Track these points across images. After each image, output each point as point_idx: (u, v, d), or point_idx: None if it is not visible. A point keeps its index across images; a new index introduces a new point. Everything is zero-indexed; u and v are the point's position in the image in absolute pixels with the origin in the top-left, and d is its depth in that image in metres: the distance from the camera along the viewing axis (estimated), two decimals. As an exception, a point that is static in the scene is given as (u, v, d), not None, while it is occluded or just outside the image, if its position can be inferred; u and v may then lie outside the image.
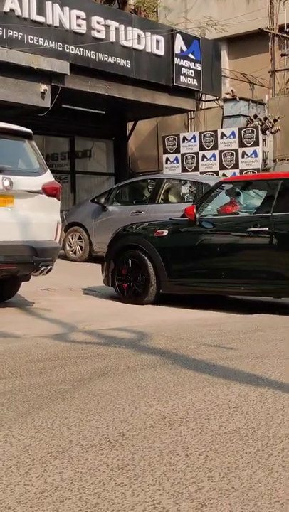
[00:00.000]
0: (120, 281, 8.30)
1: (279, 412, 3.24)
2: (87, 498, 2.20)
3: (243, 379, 3.99)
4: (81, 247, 13.25)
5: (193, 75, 17.77)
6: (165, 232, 8.20)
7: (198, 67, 17.96)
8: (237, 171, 16.10)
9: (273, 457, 2.57)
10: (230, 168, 16.21)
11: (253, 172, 15.81)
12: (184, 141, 17.14)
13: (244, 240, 7.75)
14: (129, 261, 8.27)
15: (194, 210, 7.91)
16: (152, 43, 16.67)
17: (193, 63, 17.80)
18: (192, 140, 17.01)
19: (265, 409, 3.28)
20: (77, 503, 2.16)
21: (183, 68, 17.49)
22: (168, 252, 8.08)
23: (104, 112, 17.86)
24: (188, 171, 16.65)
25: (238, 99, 18.26)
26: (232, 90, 19.54)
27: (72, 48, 14.68)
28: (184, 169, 16.90)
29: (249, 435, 2.86)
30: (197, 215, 7.89)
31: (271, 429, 2.95)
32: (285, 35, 21.07)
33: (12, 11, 13.59)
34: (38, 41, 13.99)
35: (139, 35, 16.27)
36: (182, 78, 17.47)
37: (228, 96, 18.81)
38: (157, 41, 16.81)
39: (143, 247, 8.22)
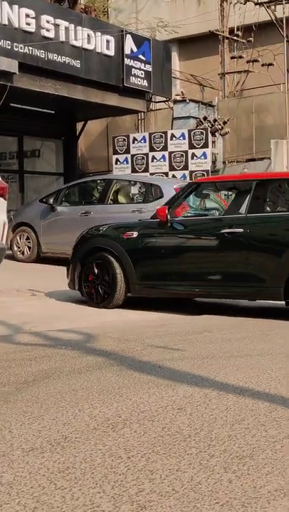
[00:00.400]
0: (87, 285, 7.99)
1: (222, 413, 3.25)
2: (25, 502, 2.17)
3: (189, 380, 4.00)
4: (29, 248, 13.12)
5: (143, 76, 17.79)
6: (135, 234, 7.92)
7: (149, 68, 17.98)
8: (187, 173, 16.17)
9: (215, 458, 2.57)
10: (179, 170, 16.26)
11: (203, 174, 15.89)
12: (133, 142, 17.14)
13: (218, 242, 7.52)
14: (96, 264, 7.96)
15: (166, 211, 7.66)
16: (102, 43, 16.63)
17: (143, 64, 17.81)
18: (142, 141, 17.02)
19: (208, 411, 3.28)
20: (16, 507, 2.13)
21: (133, 69, 17.49)
22: (138, 254, 7.82)
23: (53, 112, 17.75)
24: (138, 172, 16.65)
25: (188, 100, 18.34)
26: (182, 92, 19.63)
27: (21, 47, 14.54)
28: (133, 170, 16.90)
29: (192, 436, 2.86)
30: (169, 217, 7.66)
31: (214, 430, 2.96)
32: (235, 37, 21.24)
33: None
34: (-14, 39, 13.84)
35: (89, 35, 16.21)
36: (132, 79, 17.47)
37: (178, 97, 18.88)
38: (107, 41, 16.77)
39: (111, 249, 7.93)
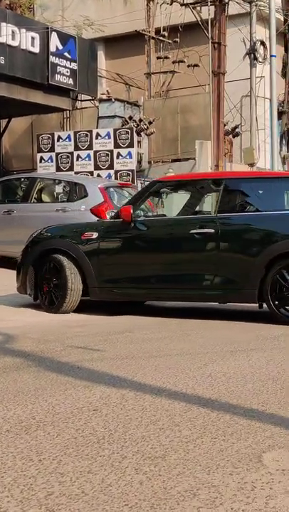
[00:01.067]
0: (39, 289, 7.57)
1: (138, 413, 3.25)
2: None
3: (106, 381, 3.99)
4: None
5: (68, 74, 17.69)
6: (95, 235, 7.50)
7: (74, 66, 17.89)
8: (112, 172, 16.16)
9: (127, 460, 2.57)
10: (105, 169, 16.23)
11: (128, 173, 15.92)
12: (58, 141, 17.01)
13: (187, 243, 7.24)
14: (50, 266, 7.53)
15: (131, 211, 7.31)
16: (27, 40, 16.46)
17: (69, 62, 17.72)
18: (67, 139, 16.90)
19: (124, 412, 3.28)
20: None
21: (58, 67, 17.37)
22: (98, 256, 7.43)
23: (-24, 108, 17.48)
24: (63, 171, 16.54)
25: (113, 100, 18.33)
26: (107, 91, 19.61)
27: None
28: (58, 169, 16.77)
29: (106, 438, 2.85)
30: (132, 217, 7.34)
31: (129, 431, 2.96)
32: (161, 38, 21.35)
33: None
34: None
35: (13, 32, 16.01)
36: (57, 77, 17.35)
37: (103, 96, 18.85)
38: (32, 38, 16.61)
39: (69, 250, 7.49)
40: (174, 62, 21.06)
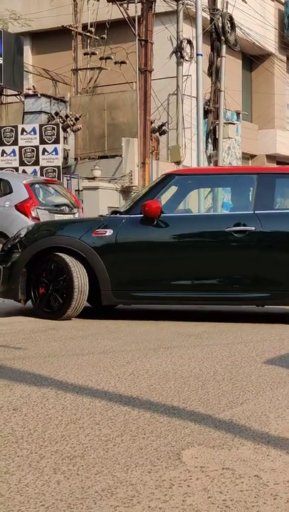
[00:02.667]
0: (36, 293, 6.90)
1: (58, 412, 3.23)
2: None
3: (27, 380, 3.94)
4: None
5: (-6, 68, 17.45)
6: (109, 232, 6.81)
7: (0, 60, 17.64)
8: (37, 168, 16.01)
9: (45, 459, 2.54)
10: (30, 165, 16.09)
11: (54, 170, 15.80)
12: (-17, 135, 16.76)
13: (221, 241, 6.77)
14: (49, 267, 6.84)
15: (160, 205, 6.75)
16: None
17: (-6, 56, 17.47)
18: (-8, 134, 16.67)
19: (44, 410, 3.25)
20: None
21: (-17, 60, 17.13)
22: (114, 255, 6.78)
23: None
24: (-12, 166, 16.31)
25: (39, 95, 18.17)
26: (33, 86, 19.43)
27: None
28: (-17, 164, 16.54)
29: (24, 438, 2.82)
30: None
31: (48, 430, 2.93)
32: (88, 34, 21.27)
33: None
34: None
35: None
36: (-18, 71, 17.11)
37: (29, 92, 18.67)
38: None
39: (76, 249, 6.77)
40: (101, 59, 21.03)
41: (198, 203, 7.18)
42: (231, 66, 20.69)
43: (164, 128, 18.24)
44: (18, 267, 6.90)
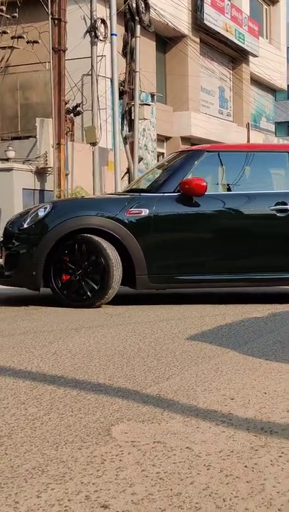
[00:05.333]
0: (60, 279, 6.40)
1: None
2: None
3: None
4: None
5: None
6: (145, 212, 6.43)
7: None
8: None
9: (-29, 441, 2.46)
10: None
11: None
12: None
13: (265, 221, 6.66)
14: (77, 251, 6.37)
15: (206, 184, 6.42)
16: None
17: None
18: None
19: None
20: None
21: None
22: (152, 237, 6.42)
23: None
24: None
25: None
26: None
27: None
28: None
29: None
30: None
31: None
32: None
33: None
34: None
35: None
36: None
37: None
38: None
39: (109, 230, 6.33)
40: (12, 38, 20.56)
41: (232, 181, 6.68)
42: (145, 47, 20.62)
43: (78, 109, 18.04)
44: (40, 252, 6.35)
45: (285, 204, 6.62)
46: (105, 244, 6.32)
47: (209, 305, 6.54)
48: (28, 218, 6.55)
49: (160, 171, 7.41)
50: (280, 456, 2.25)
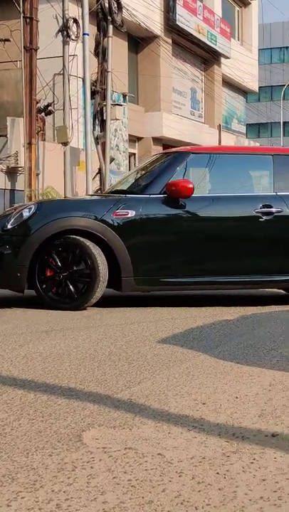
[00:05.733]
0: (47, 281, 6.33)
1: None
2: None
3: None
4: None
5: None
6: (131, 213, 6.39)
7: None
8: None
9: None
10: None
11: None
12: None
13: (250, 223, 6.64)
14: (63, 252, 6.29)
15: (192, 186, 6.40)
16: None
17: None
18: None
19: None
20: None
21: None
22: (138, 239, 6.39)
23: None
24: None
25: None
26: None
27: None
28: None
29: None
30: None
31: None
32: None
33: None
34: None
35: None
36: None
37: None
38: None
39: (96, 232, 6.28)
40: (-16, 36, 20.41)
41: (217, 183, 6.66)
42: (118, 47, 20.60)
43: (50, 108, 17.97)
44: (25, 253, 6.26)
45: (271, 207, 6.66)
46: (92, 246, 6.27)
47: (180, 307, 6.54)
48: (12, 219, 6.45)
49: (144, 172, 7.40)
50: (252, 463, 2.25)
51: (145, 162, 8.03)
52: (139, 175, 7.49)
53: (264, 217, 6.63)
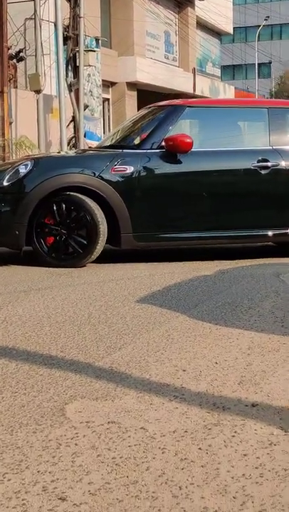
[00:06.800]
0: (46, 239, 6.30)
1: None
2: None
3: None
4: None
5: None
6: (130, 169, 6.35)
7: None
8: None
9: None
10: None
11: None
12: None
13: (249, 177, 6.68)
14: (61, 209, 6.24)
15: (191, 141, 6.36)
16: None
17: None
18: None
19: None
20: None
21: None
22: (137, 195, 6.35)
23: None
24: None
25: None
26: None
27: None
28: None
29: None
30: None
31: None
32: None
33: None
34: None
35: None
36: None
37: None
38: None
39: (95, 188, 6.23)
40: None
41: (213, 137, 6.61)
42: (89, -10, 20.11)
43: (21, 54, 17.59)
44: (23, 211, 6.20)
45: (267, 161, 6.68)
46: (91, 203, 6.24)
47: (158, 263, 6.56)
48: (7, 175, 6.34)
49: (138, 126, 7.33)
50: (233, 436, 2.29)
51: (137, 115, 7.95)
52: (132, 129, 7.41)
53: (262, 171, 6.66)
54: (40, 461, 2.12)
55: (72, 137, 17.00)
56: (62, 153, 9.79)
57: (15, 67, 17.42)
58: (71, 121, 17.05)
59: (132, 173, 6.38)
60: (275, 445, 2.21)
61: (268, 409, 2.55)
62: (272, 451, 2.17)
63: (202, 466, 2.06)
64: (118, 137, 7.43)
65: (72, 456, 2.15)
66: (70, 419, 2.48)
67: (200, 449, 2.19)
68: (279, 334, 3.69)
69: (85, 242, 6.26)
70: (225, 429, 2.36)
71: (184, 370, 3.06)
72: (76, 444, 2.24)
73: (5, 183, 6.33)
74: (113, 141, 7.44)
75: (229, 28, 35.21)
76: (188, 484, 1.95)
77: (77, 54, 16.59)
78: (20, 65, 17.83)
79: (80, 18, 16.15)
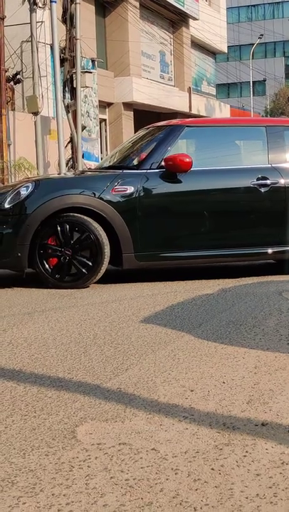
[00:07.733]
0: (48, 262, 6.33)
1: None
2: None
3: None
4: None
5: None
6: (130, 189, 6.43)
7: None
8: None
9: None
10: None
11: None
12: None
13: (249, 195, 6.72)
14: (66, 230, 6.29)
15: (191, 160, 6.43)
16: None
17: None
18: None
19: None
20: None
21: None
22: (138, 215, 6.40)
23: None
24: None
25: None
26: None
27: None
28: None
29: None
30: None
31: None
32: None
33: None
34: None
35: None
36: None
37: None
38: None
39: (96, 209, 6.30)
40: None
41: (212, 156, 6.66)
42: (85, 12, 20.25)
43: (18, 77, 17.69)
44: (25, 232, 6.23)
45: (266, 179, 6.74)
46: (93, 223, 6.30)
47: (160, 282, 6.58)
48: (9, 197, 6.39)
49: (137, 147, 7.38)
50: (245, 456, 2.30)
51: (136, 136, 7.99)
52: (132, 150, 7.46)
53: (261, 189, 6.72)
54: (54, 484, 2.13)
55: (70, 158, 17.05)
56: (62, 174, 9.81)
57: (12, 90, 17.53)
58: (69, 142, 17.12)
59: (133, 193, 6.43)
60: (287, 464, 2.22)
61: (277, 428, 2.56)
62: (285, 470, 2.18)
63: (216, 487, 2.07)
64: (118, 158, 7.47)
65: (85, 479, 2.16)
66: (81, 441, 2.49)
67: (212, 469, 2.20)
68: (285, 352, 3.71)
69: (90, 263, 6.30)
70: (236, 448, 2.37)
71: (192, 390, 3.07)
72: (89, 466, 2.25)
73: (6, 205, 6.37)
74: (113, 162, 7.48)
75: (223, 47, 35.46)
76: (203, 505, 1.95)
77: (74, 76, 16.68)
78: (18, 88, 17.94)
79: (76, 40, 16.26)
